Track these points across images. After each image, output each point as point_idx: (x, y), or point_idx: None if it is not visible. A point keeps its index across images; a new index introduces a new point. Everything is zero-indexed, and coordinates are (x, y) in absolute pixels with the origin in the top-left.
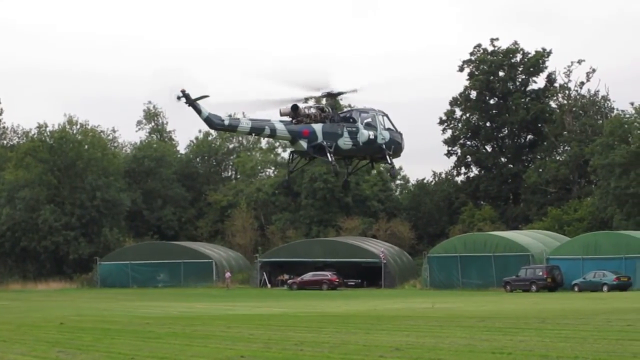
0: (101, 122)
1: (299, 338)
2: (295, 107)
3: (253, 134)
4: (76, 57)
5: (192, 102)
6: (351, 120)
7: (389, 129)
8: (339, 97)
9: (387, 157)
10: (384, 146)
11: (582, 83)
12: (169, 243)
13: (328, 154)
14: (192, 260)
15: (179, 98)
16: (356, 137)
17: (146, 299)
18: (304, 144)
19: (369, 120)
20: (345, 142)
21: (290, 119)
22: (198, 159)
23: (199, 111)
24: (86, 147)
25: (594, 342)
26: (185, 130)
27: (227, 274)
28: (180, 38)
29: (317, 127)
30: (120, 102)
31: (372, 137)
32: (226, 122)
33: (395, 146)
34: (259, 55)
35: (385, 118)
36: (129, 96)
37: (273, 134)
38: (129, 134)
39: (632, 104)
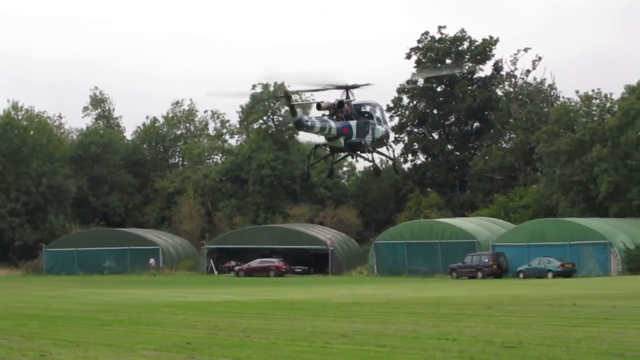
0: (47, 108)
1: (246, 325)
2: (341, 104)
3: (319, 134)
4: (21, 42)
5: (291, 104)
6: (367, 115)
7: (385, 122)
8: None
9: (388, 150)
10: (385, 140)
11: (528, 71)
12: (115, 230)
13: (368, 153)
14: (139, 247)
15: (279, 97)
16: (374, 132)
17: (92, 286)
18: (342, 140)
19: (378, 114)
20: (369, 138)
21: (328, 114)
22: (145, 146)
23: (294, 113)
24: (31, 133)
25: (538, 328)
26: (132, 117)
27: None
28: (127, 22)
29: (353, 124)
30: (66, 88)
31: (383, 132)
32: (309, 123)
33: (387, 139)
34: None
35: (383, 111)
36: (76, 82)
37: (330, 132)
38: (75, 120)
39: (577, 92)
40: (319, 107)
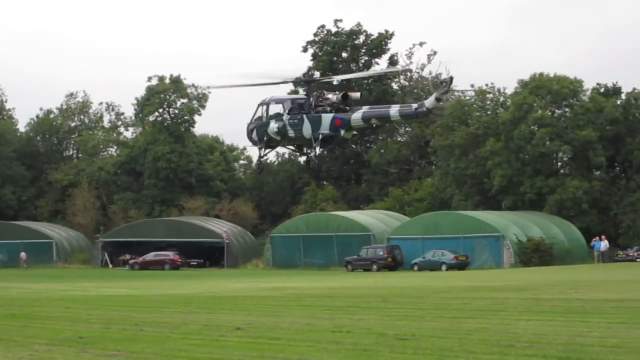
0: None
1: (140, 318)
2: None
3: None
4: None
5: (448, 90)
6: None
7: None
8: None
9: None
10: None
11: (424, 65)
12: (7, 223)
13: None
14: (32, 241)
15: (443, 81)
16: None
17: None
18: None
19: None
20: None
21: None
22: (39, 138)
23: (438, 100)
24: None
25: (431, 320)
26: (26, 109)
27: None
28: (22, 18)
29: None
30: None
31: None
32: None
33: None
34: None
35: None
36: None
37: None
38: None
39: (472, 86)
40: (346, 96)
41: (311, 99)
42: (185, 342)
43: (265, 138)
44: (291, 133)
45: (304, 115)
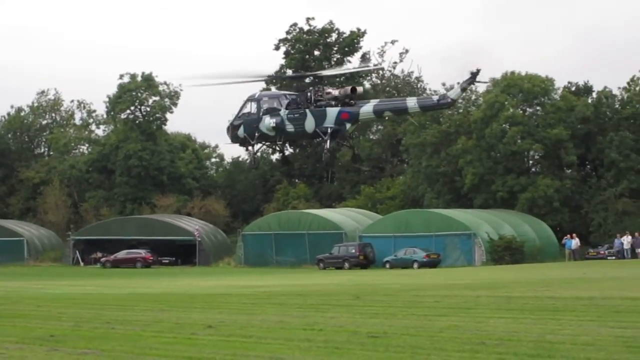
0: None
1: (111, 316)
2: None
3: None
4: None
5: (473, 81)
6: None
7: None
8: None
9: None
10: None
11: (396, 63)
12: None
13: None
14: (3, 239)
15: (472, 73)
16: None
17: None
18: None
19: None
20: None
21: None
22: (9, 135)
23: (463, 90)
24: None
25: (403, 317)
26: None
27: None
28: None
29: None
30: None
31: None
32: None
33: None
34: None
35: None
36: None
37: None
38: None
39: (443, 84)
40: (354, 90)
41: (309, 93)
42: (156, 340)
43: (256, 134)
44: (290, 128)
45: (307, 110)
